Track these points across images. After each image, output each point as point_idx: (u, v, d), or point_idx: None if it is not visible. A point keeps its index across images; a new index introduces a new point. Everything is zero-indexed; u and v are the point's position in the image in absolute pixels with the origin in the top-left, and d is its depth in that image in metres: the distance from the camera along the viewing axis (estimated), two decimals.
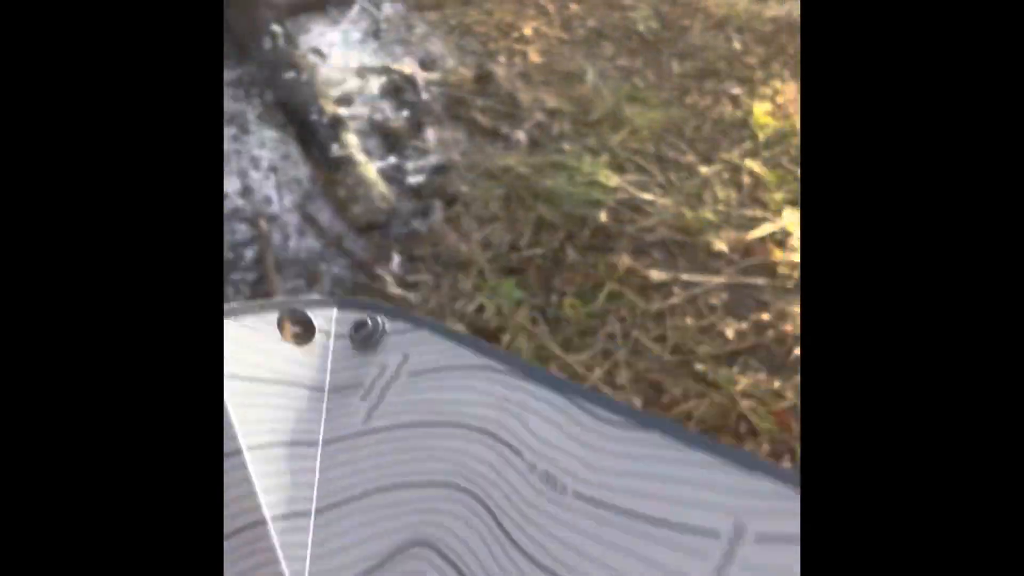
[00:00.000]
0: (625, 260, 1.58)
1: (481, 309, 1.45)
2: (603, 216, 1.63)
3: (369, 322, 0.49)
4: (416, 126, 1.68)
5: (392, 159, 1.60)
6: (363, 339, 0.48)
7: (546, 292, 1.52)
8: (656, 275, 1.57)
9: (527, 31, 2.04)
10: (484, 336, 1.44)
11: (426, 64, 1.83)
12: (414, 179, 1.57)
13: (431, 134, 1.68)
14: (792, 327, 1.50)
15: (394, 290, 1.43)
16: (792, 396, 1.42)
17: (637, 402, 1.39)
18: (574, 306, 1.49)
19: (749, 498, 0.30)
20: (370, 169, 1.51)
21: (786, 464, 1.34)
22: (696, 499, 0.31)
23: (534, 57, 1.98)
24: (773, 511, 0.30)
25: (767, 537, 0.30)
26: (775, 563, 0.30)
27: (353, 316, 0.50)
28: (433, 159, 1.63)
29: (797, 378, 1.44)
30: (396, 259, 1.48)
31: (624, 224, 1.63)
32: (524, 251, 1.55)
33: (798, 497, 0.29)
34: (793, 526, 0.29)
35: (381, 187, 1.49)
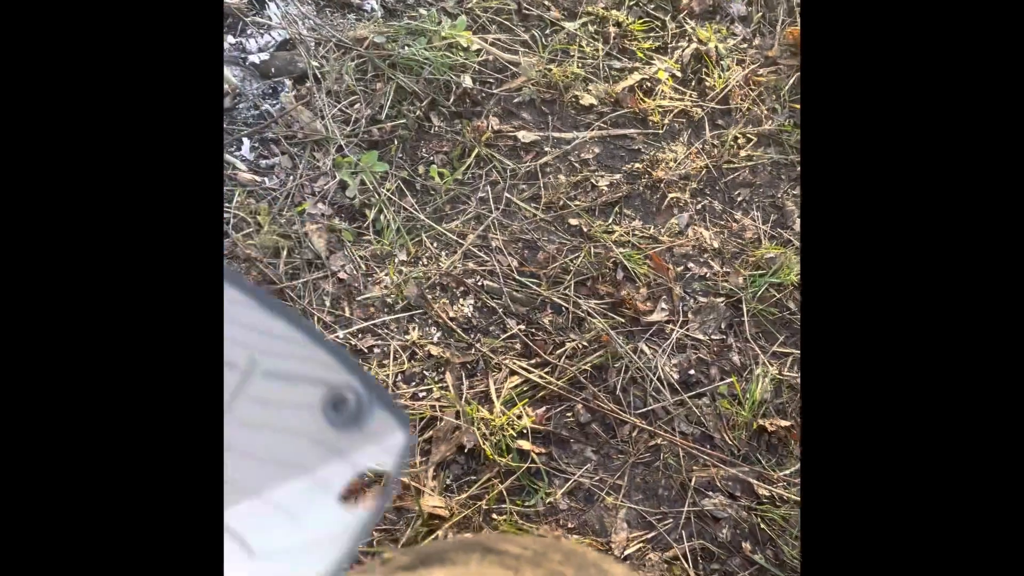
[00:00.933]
0: (493, 123, 1.52)
1: (344, 186, 1.39)
2: (467, 80, 1.56)
3: (350, 398, 0.34)
4: (256, 2, 1.55)
5: (231, 39, 1.48)
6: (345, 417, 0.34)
7: (412, 163, 1.46)
8: (526, 135, 1.52)
9: None
10: (349, 214, 1.38)
11: None
12: (258, 58, 1.46)
13: (274, 9, 1.56)
14: (664, 173, 1.49)
15: (245, 175, 1.35)
16: (667, 239, 1.42)
17: (513, 263, 1.37)
18: (442, 174, 1.44)
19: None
20: None
21: (663, 305, 1.35)
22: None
23: None
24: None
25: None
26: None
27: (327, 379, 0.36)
28: (277, 35, 1.51)
29: (671, 221, 1.44)
30: (246, 143, 1.39)
31: (490, 86, 1.57)
32: (385, 123, 1.48)
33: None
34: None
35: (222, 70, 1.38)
